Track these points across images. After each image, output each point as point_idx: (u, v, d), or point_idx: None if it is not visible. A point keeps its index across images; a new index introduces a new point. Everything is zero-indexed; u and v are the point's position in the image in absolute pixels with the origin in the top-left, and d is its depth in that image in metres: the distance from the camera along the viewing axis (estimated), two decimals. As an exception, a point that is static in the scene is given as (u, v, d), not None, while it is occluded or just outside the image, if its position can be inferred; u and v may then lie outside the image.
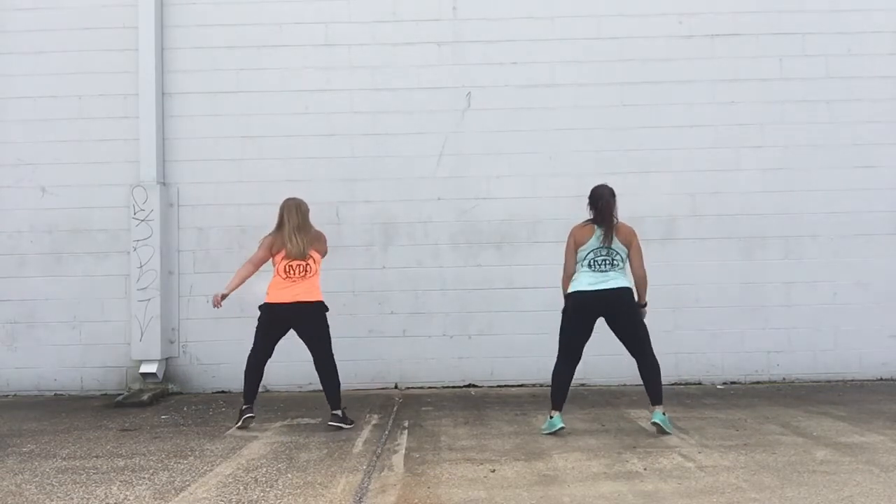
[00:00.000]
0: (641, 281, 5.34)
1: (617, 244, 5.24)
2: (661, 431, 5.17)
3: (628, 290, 5.24)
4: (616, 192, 5.34)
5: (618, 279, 5.21)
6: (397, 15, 7.62)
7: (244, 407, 5.65)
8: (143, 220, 7.35)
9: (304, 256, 5.57)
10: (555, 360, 5.34)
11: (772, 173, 7.56)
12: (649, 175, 7.48)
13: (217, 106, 7.56)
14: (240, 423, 5.62)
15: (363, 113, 7.58)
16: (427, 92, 7.57)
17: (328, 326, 5.67)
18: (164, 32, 7.57)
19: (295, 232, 5.58)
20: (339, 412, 5.61)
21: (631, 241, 5.29)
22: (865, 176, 7.54)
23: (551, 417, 5.28)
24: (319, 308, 5.63)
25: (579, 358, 5.33)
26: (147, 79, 7.43)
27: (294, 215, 5.62)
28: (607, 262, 5.22)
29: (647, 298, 5.40)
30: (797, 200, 7.54)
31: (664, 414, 5.20)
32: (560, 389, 5.30)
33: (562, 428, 5.23)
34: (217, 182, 7.53)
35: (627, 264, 5.33)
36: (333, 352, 5.66)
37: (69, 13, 7.57)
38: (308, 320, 5.60)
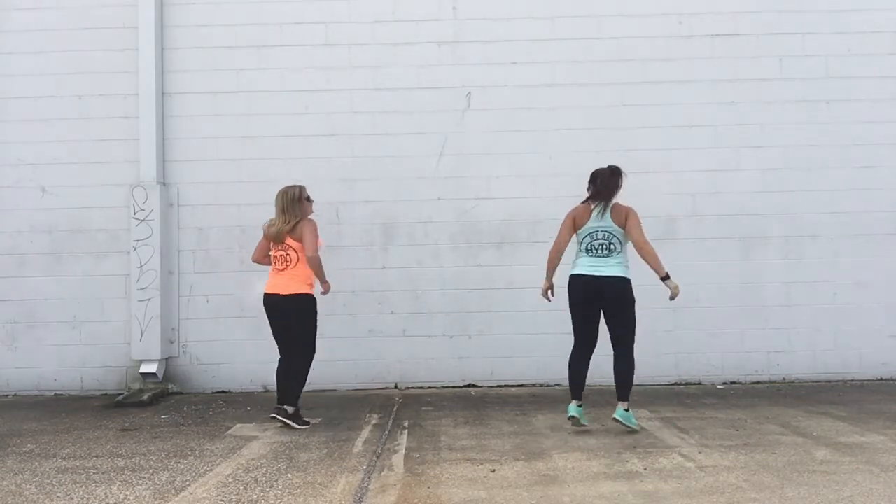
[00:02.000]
0: (648, 254, 5.13)
1: (612, 225, 5.16)
2: (624, 426, 5.19)
3: (623, 279, 5.15)
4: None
5: (615, 267, 5.15)
6: (397, 15, 7.62)
7: (276, 407, 5.65)
8: (143, 220, 7.35)
9: (278, 238, 5.60)
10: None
11: (772, 173, 7.56)
12: (649, 175, 7.45)
13: (217, 106, 7.56)
14: (272, 415, 5.64)
15: (363, 113, 7.58)
16: (427, 92, 7.57)
17: (306, 321, 5.60)
18: (164, 32, 7.57)
19: (275, 216, 5.68)
20: (286, 407, 5.57)
21: (626, 218, 5.15)
22: (865, 176, 7.54)
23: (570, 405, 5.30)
24: (295, 300, 5.56)
25: (594, 344, 5.31)
26: (147, 79, 7.43)
27: (279, 200, 5.69)
28: (604, 245, 5.17)
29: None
30: (797, 200, 7.54)
31: (627, 410, 5.20)
32: (574, 377, 5.30)
33: (573, 417, 5.23)
34: (217, 182, 7.53)
35: (629, 246, 5.23)
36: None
37: (69, 13, 7.57)
38: (285, 314, 5.59)
